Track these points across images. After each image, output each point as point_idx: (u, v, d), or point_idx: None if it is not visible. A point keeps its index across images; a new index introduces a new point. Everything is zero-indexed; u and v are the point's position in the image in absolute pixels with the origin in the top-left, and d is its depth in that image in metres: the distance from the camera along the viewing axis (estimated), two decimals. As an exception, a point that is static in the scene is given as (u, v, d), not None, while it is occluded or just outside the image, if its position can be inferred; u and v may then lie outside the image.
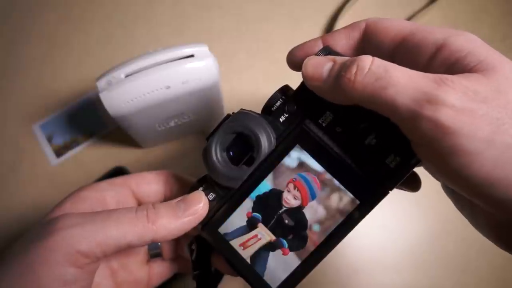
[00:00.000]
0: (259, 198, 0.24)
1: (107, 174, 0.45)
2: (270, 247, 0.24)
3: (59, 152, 0.47)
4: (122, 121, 0.37)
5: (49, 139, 0.47)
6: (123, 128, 0.39)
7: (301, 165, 0.23)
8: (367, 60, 0.19)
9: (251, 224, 0.24)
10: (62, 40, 0.52)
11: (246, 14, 0.52)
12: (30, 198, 0.45)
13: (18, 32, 0.52)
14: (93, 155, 0.46)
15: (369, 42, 0.23)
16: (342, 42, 0.23)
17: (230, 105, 0.46)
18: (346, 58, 0.20)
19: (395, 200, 0.44)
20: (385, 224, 0.43)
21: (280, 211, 0.23)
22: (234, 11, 0.52)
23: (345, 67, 0.20)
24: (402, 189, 0.26)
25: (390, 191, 0.22)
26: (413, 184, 0.26)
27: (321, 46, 0.24)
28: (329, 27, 0.51)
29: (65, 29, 0.52)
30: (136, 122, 0.38)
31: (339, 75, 0.20)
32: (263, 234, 0.23)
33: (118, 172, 0.45)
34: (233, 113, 0.25)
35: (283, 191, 0.23)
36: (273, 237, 0.23)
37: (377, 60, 0.19)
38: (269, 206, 0.23)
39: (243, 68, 0.50)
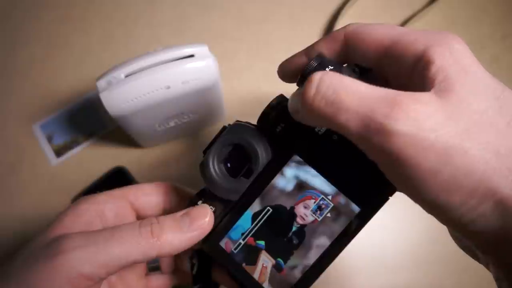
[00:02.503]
0: (257, 219, 0.22)
1: (107, 174, 0.45)
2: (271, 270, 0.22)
3: (59, 152, 0.47)
4: (122, 121, 0.37)
5: (49, 139, 0.47)
6: (123, 128, 0.39)
7: (301, 185, 0.21)
8: (315, 80, 0.18)
9: (253, 254, 0.21)
10: (62, 40, 0.52)
11: (246, 14, 0.52)
12: (30, 198, 0.45)
13: (18, 32, 0.52)
14: (93, 155, 0.46)
15: (353, 52, 0.22)
16: (324, 52, 0.23)
17: (230, 105, 0.46)
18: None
19: (395, 200, 0.44)
20: (385, 223, 0.43)
21: (291, 232, 0.21)
22: (234, 12, 0.52)
23: (302, 90, 0.19)
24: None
25: (390, 197, 0.22)
26: None
27: (305, 59, 0.23)
28: (329, 27, 0.51)
29: (65, 29, 0.52)
30: (136, 122, 0.38)
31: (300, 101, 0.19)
32: (267, 261, 0.22)
33: (118, 172, 0.45)
34: (229, 124, 0.24)
35: (293, 208, 0.21)
36: (273, 261, 0.22)
37: (326, 78, 0.18)
38: (275, 227, 0.22)
39: (243, 68, 0.50)
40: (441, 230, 0.43)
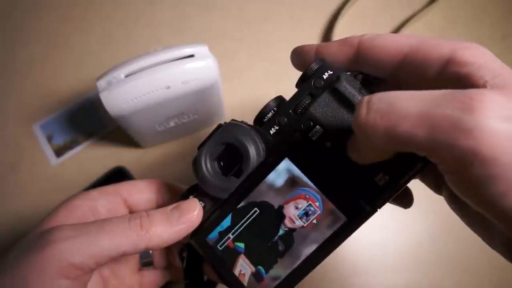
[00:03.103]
0: (237, 217, 0.20)
1: (107, 174, 0.45)
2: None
3: (59, 152, 0.47)
4: (122, 121, 0.37)
5: (49, 139, 0.47)
6: (123, 128, 0.39)
7: (294, 181, 0.18)
8: (364, 99, 0.17)
9: (230, 258, 0.18)
10: (62, 40, 0.52)
11: (246, 14, 0.52)
12: (30, 198, 0.45)
13: (18, 32, 0.52)
14: (93, 155, 0.46)
15: (365, 60, 0.21)
16: (334, 55, 0.23)
17: (230, 105, 0.46)
18: None
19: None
20: (386, 224, 0.43)
21: (277, 236, 0.19)
22: (235, 11, 0.52)
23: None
24: (393, 204, 0.25)
25: (378, 209, 0.21)
26: (405, 200, 0.25)
27: (313, 54, 0.23)
28: (329, 27, 0.51)
29: (65, 29, 0.52)
30: (136, 122, 0.38)
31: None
32: (246, 268, 0.19)
33: (118, 172, 0.45)
34: (225, 123, 0.24)
35: (281, 208, 0.18)
36: (253, 268, 0.19)
37: (377, 94, 0.17)
38: (257, 229, 0.20)
39: (243, 68, 0.50)
40: (441, 230, 0.43)
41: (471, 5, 0.52)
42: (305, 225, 0.18)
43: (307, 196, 0.18)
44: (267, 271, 0.18)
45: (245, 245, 0.18)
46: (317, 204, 0.18)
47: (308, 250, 0.18)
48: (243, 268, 0.18)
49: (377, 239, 0.43)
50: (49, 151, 0.47)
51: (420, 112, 0.15)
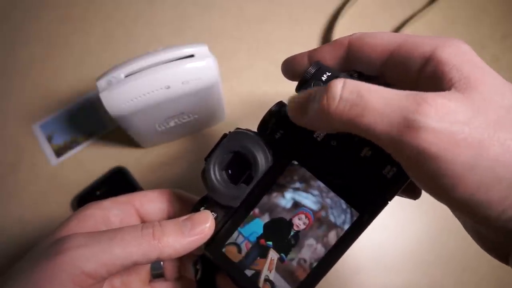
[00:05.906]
0: (267, 227, 0.25)
1: (107, 174, 0.45)
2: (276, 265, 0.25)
3: (59, 152, 0.47)
4: (122, 121, 0.37)
5: (49, 139, 0.47)
6: (123, 128, 0.39)
7: (296, 204, 0.24)
8: (338, 86, 0.18)
9: (264, 251, 0.25)
10: (62, 40, 0.52)
11: (246, 14, 0.52)
12: (30, 198, 0.45)
13: (18, 32, 0.52)
14: (93, 155, 0.46)
15: (355, 59, 0.22)
16: (327, 58, 0.23)
17: (230, 105, 0.47)
18: (321, 87, 0.20)
19: (395, 200, 0.44)
20: (385, 223, 0.43)
21: (289, 236, 0.24)
22: (235, 11, 0.52)
23: (318, 96, 0.19)
24: (402, 196, 0.26)
25: (389, 202, 0.22)
26: (413, 191, 0.26)
27: (306, 62, 0.24)
28: (329, 27, 0.51)
29: (65, 29, 0.52)
30: (136, 122, 0.38)
31: (315, 107, 0.19)
32: (274, 256, 0.25)
33: (118, 172, 0.45)
34: (229, 132, 0.25)
35: (291, 219, 0.24)
36: (278, 255, 0.24)
37: (349, 84, 0.18)
38: (279, 232, 0.24)
39: (243, 67, 0.50)
40: (441, 229, 0.43)
41: (471, 5, 0.52)
42: (304, 228, 0.24)
43: (305, 212, 0.24)
44: (286, 256, 0.24)
45: (272, 242, 0.24)
46: (310, 216, 0.24)
47: (307, 242, 0.24)
48: (273, 256, 0.24)
49: (376, 238, 0.43)
50: (49, 151, 0.47)
51: (384, 109, 0.17)
